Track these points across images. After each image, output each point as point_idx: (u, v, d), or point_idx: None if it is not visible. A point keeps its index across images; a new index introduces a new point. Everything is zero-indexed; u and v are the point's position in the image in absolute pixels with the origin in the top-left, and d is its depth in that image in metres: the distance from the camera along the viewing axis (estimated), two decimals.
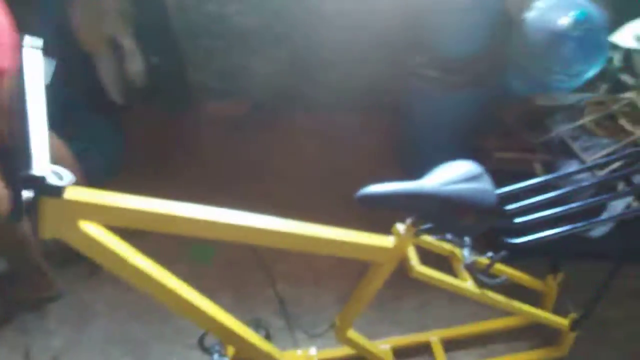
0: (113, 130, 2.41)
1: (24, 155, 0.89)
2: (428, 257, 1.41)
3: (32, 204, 0.93)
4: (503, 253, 1.34)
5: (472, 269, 1.42)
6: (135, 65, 2.48)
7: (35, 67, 0.79)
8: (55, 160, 0.94)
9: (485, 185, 1.19)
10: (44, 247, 1.82)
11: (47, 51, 0.89)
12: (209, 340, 1.37)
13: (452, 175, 1.18)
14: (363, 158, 2.34)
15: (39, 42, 0.82)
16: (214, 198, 1.19)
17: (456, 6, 1.92)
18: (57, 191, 0.94)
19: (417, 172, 1.23)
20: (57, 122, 1.73)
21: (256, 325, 1.38)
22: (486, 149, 1.96)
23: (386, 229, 1.27)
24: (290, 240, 1.16)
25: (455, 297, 1.43)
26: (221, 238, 1.14)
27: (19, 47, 0.82)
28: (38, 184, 0.92)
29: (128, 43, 2.45)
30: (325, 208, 1.54)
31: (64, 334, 1.83)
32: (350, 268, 1.89)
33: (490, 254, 1.38)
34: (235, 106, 2.61)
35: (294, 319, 1.85)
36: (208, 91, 2.56)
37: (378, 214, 1.20)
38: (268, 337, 1.41)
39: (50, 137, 1.46)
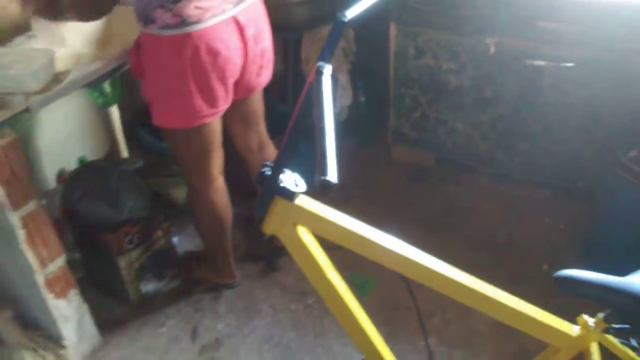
0: (308, 151, 2.61)
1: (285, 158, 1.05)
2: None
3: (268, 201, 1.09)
4: None
5: None
6: (345, 100, 2.69)
7: (327, 89, 0.95)
8: None
9: None
10: (233, 240, 2.04)
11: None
12: None
13: None
14: (544, 238, 2.26)
15: (330, 68, 0.99)
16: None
17: None
18: (291, 195, 1.09)
19: (604, 267, 1.18)
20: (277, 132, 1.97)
21: None
22: None
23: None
24: (474, 298, 1.18)
25: None
26: (408, 275, 1.21)
27: (315, 71, 0.99)
28: (278, 186, 1.08)
29: (344, 79, 2.67)
30: (493, 274, 1.50)
31: (230, 321, 2.01)
32: (508, 337, 1.84)
33: None
34: (422, 156, 2.69)
35: None
36: (400, 136, 2.67)
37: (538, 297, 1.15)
38: None
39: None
